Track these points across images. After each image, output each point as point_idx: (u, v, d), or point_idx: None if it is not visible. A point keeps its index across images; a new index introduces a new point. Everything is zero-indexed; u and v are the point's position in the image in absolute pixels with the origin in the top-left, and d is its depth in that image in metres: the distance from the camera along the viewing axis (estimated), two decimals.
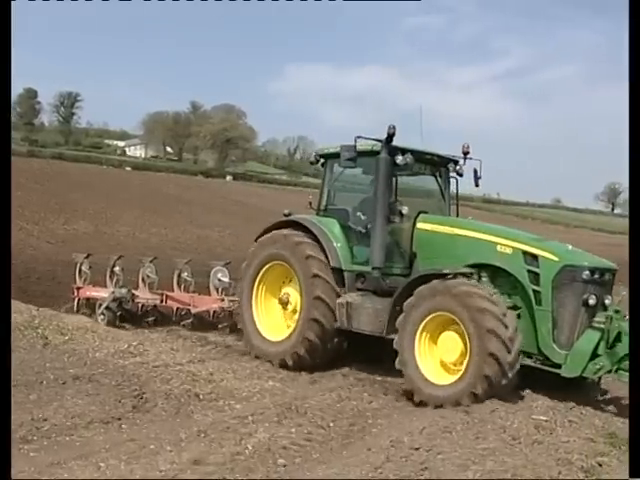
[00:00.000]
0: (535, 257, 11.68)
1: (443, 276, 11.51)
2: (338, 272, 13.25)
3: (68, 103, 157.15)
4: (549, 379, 11.53)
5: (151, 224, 41.19)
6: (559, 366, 11.36)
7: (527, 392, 11.22)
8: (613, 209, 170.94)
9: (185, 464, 7.89)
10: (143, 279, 18.08)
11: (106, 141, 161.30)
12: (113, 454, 8.09)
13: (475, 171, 14.38)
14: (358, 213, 13.53)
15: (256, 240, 14.44)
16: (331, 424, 9.72)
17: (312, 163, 15.16)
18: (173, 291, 17.73)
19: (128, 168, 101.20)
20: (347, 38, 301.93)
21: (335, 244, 13.35)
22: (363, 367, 13.39)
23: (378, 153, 12.68)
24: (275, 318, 14.19)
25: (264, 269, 14.08)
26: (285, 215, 14.65)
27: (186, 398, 10.60)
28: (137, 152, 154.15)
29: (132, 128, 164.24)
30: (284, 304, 13.90)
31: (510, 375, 10.76)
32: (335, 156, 13.66)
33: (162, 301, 17.67)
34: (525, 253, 11.77)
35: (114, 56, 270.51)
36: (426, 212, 13.57)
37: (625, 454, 8.69)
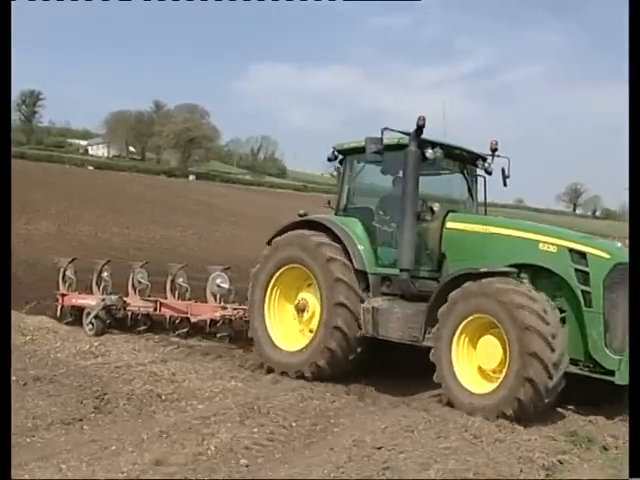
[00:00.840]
0: (583, 255, 10.80)
1: (485, 275, 10.71)
2: (362, 275, 12.34)
3: (30, 102, 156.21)
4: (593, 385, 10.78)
5: (113, 224, 41.11)
6: (612, 373, 10.39)
7: None
8: (574, 209, 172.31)
9: (147, 465, 7.86)
10: (134, 285, 17.07)
11: (68, 140, 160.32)
12: (74, 455, 8.06)
13: (503, 170, 13.43)
14: (382, 211, 12.73)
15: (269, 242, 13.40)
16: (293, 424, 9.67)
17: (330, 159, 13.83)
18: (166, 298, 16.55)
19: (90, 167, 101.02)
20: (311, 38, 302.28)
21: (358, 245, 12.44)
22: None
23: (405, 146, 11.75)
24: (290, 326, 13.19)
25: (278, 273, 13.05)
26: (300, 215, 13.65)
27: (148, 399, 10.56)
28: (99, 151, 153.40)
29: (95, 127, 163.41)
30: (301, 311, 12.94)
31: (555, 378, 9.93)
32: (355, 151, 12.97)
33: (156, 309, 16.56)
34: (572, 251, 10.90)
35: (77, 55, 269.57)
36: (455, 210, 12.79)
37: (586, 452, 8.82)
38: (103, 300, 16.16)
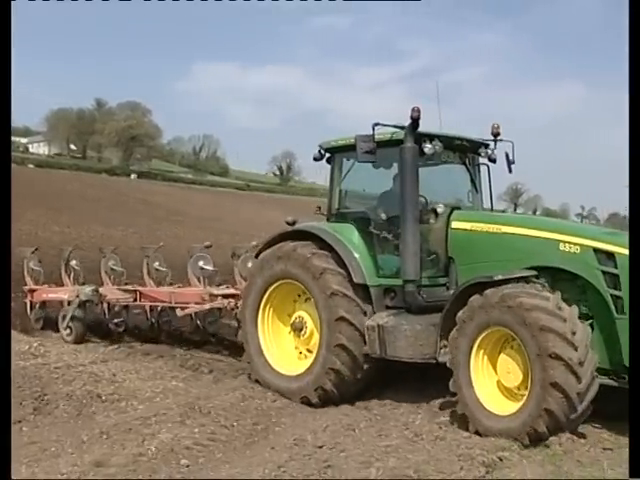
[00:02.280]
0: (611, 255, 9.69)
1: (504, 282, 9.69)
2: (362, 289, 11.18)
3: None
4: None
5: (54, 222, 40.52)
6: None
7: (429, 389, 11.21)
8: (515, 209, 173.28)
9: (87, 466, 7.81)
10: (107, 273, 16.14)
11: None
12: (14, 457, 7.93)
13: (507, 155, 12.33)
14: (379, 214, 11.54)
15: (257, 256, 12.42)
16: (235, 423, 9.65)
17: (316, 159, 12.43)
18: (145, 286, 15.45)
19: (31, 165, 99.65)
20: (254, 37, 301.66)
21: (355, 255, 11.31)
22: None
23: (401, 142, 10.74)
24: (287, 347, 12.13)
25: (270, 290, 11.94)
26: (289, 224, 12.52)
27: (88, 399, 10.49)
28: (40, 149, 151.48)
29: (35, 125, 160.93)
30: (298, 330, 11.81)
31: (580, 408, 9.04)
32: (345, 149, 11.73)
33: (135, 299, 15.41)
34: (597, 251, 9.79)
35: (17, 51, 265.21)
36: (459, 208, 11.72)
37: (525, 449, 8.89)
38: (77, 296, 15.05)
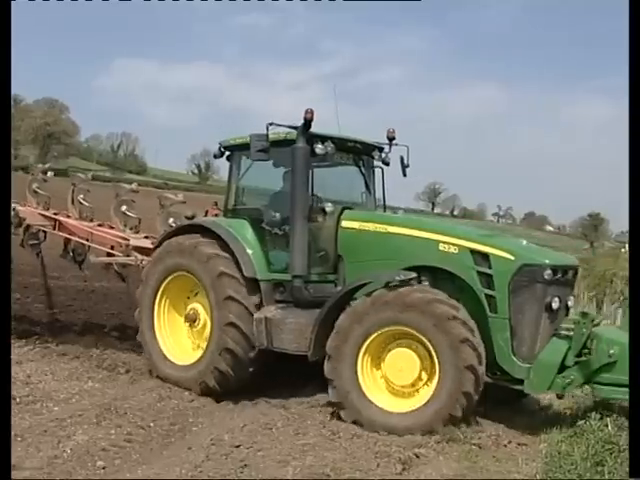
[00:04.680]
0: (486, 256, 10.08)
1: (384, 284, 10.04)
2: (253, 282, 11.38)
3: None
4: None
5: None
6: (520, 381, 9.91)
7: None
8: (433, 208, 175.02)
9: None
10: (31, 194, 15.51)
11: None
12: None
13: (402, 159, 12.64)
14: (271, 212, 11.72)
15: (155, 248, 12.58)
16: (151, 424, 9.60)
17: (215, 157, 12.79)
18: (68, 216, 15.01)
19: None
20: (173, 35, 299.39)
21: (247, 250, 11.50)
22: None
23: (293, 142, 11.04)
24: (181, 336, 12.34)
25: (167, 281, 12.14)
26: (188, 218, 13.17)
27: None
28: None
29: None
30: (191, 321, 12.05)
31: (480, 389, 9.60)
32: (243, 147, 11.78)
33: (54, 228, 14.93)
34: (473, 252, 10.17)
35: None
36: (350, 208, 11.86)
37: (440, 445, 9.00)
38: None
